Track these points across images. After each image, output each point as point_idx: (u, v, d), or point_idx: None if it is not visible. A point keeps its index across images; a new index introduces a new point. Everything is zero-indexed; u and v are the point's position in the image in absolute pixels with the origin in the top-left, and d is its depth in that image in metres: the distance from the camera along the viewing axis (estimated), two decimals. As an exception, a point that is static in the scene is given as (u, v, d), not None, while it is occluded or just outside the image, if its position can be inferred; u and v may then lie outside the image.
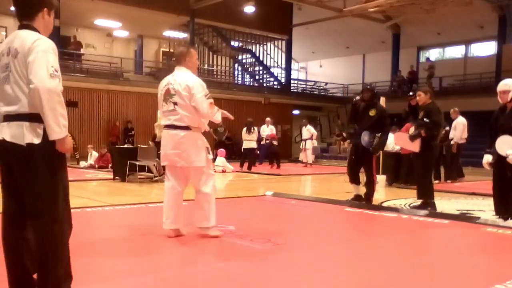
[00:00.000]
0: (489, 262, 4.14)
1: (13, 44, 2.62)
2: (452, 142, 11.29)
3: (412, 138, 6.66)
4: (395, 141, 8.33)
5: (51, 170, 2.61)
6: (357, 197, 7.22)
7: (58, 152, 2.62)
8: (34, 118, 2.56)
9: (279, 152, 16.80)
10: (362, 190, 7.24)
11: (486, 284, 3.34)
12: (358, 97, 7.23)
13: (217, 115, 4.64)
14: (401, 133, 7.03)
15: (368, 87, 7.40)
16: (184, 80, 4.52)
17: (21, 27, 2.70)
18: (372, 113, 7.00)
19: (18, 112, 2.58)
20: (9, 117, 2.61)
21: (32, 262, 2.66)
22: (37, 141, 2.55)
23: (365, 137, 6.92)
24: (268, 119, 16.69)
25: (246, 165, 14.47)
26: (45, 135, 2.56)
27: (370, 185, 7.12)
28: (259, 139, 15.98)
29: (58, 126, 2.52)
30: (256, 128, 14.80)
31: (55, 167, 2.63)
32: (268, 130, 16.38)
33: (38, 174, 2.58)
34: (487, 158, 5.98)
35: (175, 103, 4.52)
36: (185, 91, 4.47)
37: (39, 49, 2.54)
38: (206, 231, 4.68)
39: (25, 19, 2.70)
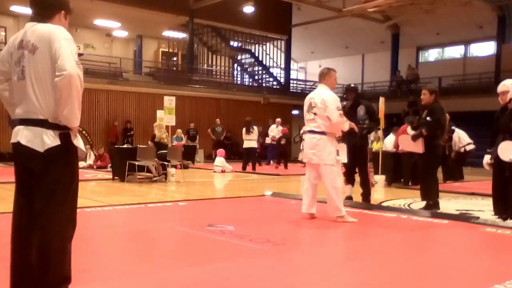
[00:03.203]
0: (488, 262, 4.13)
1: (27, 37, 2.60)
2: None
3: (414, 138, 6.54)
4: (400, 144, 8.24)
5: (63, 174, 2.62)
6: (349, 199, 7.20)
7: (72, 154, 2.65)
8: (48, 123, 2.57)
9: (288, 152, 16.86)
10: (354, 191, 7.27)
11: (485, 284, 3.34)
12: (345, 102, 6.95)
13: (345, 125, 5.71)
14: (405, 135, 6.91)
15: (350, 87, 7.36)
16: (321, 95, 5.70)
17: (35, 19, 2.67)
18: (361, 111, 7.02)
19: (34, 118, 2.57)
20: (25, 121, 2.60)
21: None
22: (52, 145, 2.55)
23: (360, 111, 6.91)
24: (278, 119, 16.97)
25: (249, 166, 14.28)
26: (60, 139, 2.58)
27: (366, 185, 7.15)
28: (272, 139, 16.28)
29: (79, 113, 2.58)
30: (255, 128, 14.76)
31: (68, 170, 2.64)
32: (276, 131, 16.43)
33: (50, 179, 2.58)
34: (487, 158, 5.97)
35: (315, 114, 5.68)
36: (322, 104, 5.61)
37: (62, 37, 2.56)
38: (341, 219, 5.68)
39: (42, 18, 2.69)
